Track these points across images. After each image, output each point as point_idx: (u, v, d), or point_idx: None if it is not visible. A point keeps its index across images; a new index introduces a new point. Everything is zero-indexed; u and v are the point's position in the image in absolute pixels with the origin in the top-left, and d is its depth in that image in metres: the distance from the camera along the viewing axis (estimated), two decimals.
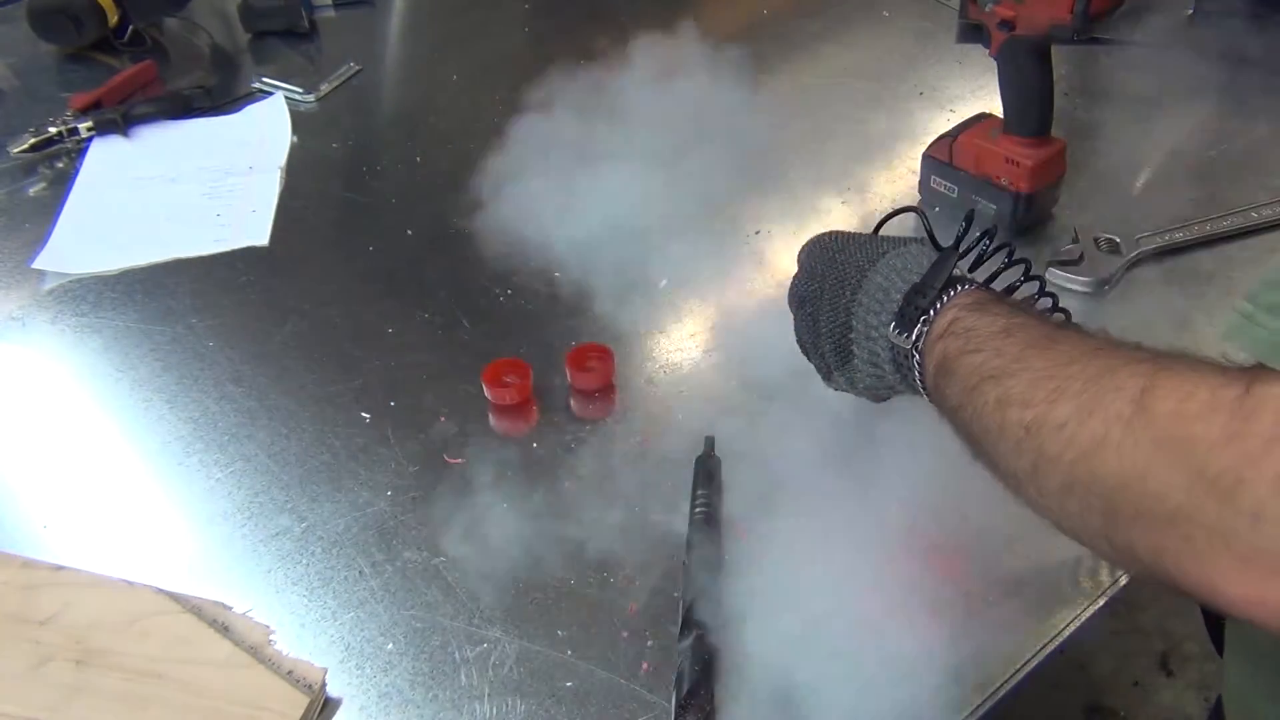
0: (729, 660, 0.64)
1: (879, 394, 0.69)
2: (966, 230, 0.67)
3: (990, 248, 0.71)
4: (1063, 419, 0.50)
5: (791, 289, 0.73)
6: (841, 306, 0.67)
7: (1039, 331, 0.56)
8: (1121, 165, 1.08)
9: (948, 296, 0.61)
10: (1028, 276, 0.71)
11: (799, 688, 0.63)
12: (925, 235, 0.68)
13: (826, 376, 0.71)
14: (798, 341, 0.73)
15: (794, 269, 0.95)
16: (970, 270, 0.68)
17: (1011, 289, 0.70)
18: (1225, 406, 0.43)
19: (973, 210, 0.69)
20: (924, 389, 0.63)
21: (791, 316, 0.74)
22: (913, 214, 0.74)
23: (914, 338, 0.61)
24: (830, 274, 0.68)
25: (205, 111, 1.21)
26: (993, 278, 0.69)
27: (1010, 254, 0.70)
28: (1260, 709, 0.69)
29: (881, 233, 0.73)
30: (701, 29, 1.40)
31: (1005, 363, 0.55)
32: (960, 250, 0.65)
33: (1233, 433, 0.42)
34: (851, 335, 0.66)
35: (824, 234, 0.73)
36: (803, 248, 0.74)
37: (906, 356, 0.63)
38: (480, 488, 0.76)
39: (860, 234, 0.72)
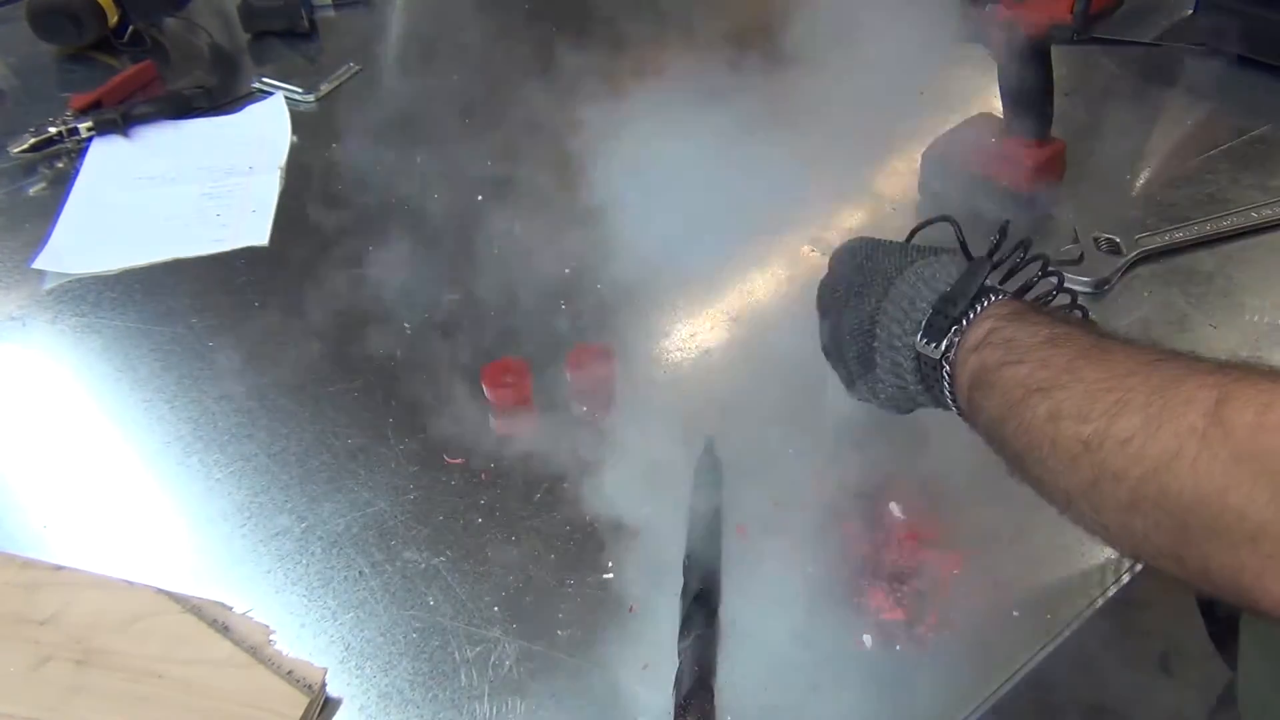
0: (729, 661, 0.64)
1: (901, 406, 0.67)
2: (1001, 241, 0.65)
3: (1024, 259, 0.69)
4: (1128, 433, 0.47)
5: (819, 293, 0.72)
6: (866, 314, 0.65)
7: (1087, 341, 0.53)
8: (1121, 165, 1.08)
9: (981, 306, 0.59)
10: (1045, 271, 0.70)
11: (798, 687, 0.63)
12: (957, 246, 0.67)
13: (849, 385, 0.70)
14: (823, 348, 0.72)
15: (793, 269, 0.96)
16: (1002, 282, 0.66)
17: (1040, 299, 0.68)
18: None
19: (1008, 221, 0.67)
20: (954, 402, 0.60)
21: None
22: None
23: (943, 348, 0.59)
24: (856, 280, 0.67)
25: (205, 111, 1.21)
26: (1023, 289, 0.66)
27: (1044, 266, 0.68)
28: (1278, 704, 0.68)
29: (914, 241, 0.72)
30: (700, 29, 1.40)
31: (1054, 374, 0.52)
32: (994, 262, 0.64)
33: None
34: (875, 344, 0.64)
35: (855, 239, 0.72)
36: (834, 252, 0.73)
37: (935, 368, 0.61)
38: (480, 488, 0.76)
39: (891, 242, 0.69)
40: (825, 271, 0.94)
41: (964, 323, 0.59)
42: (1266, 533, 0.42)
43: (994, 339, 0.57)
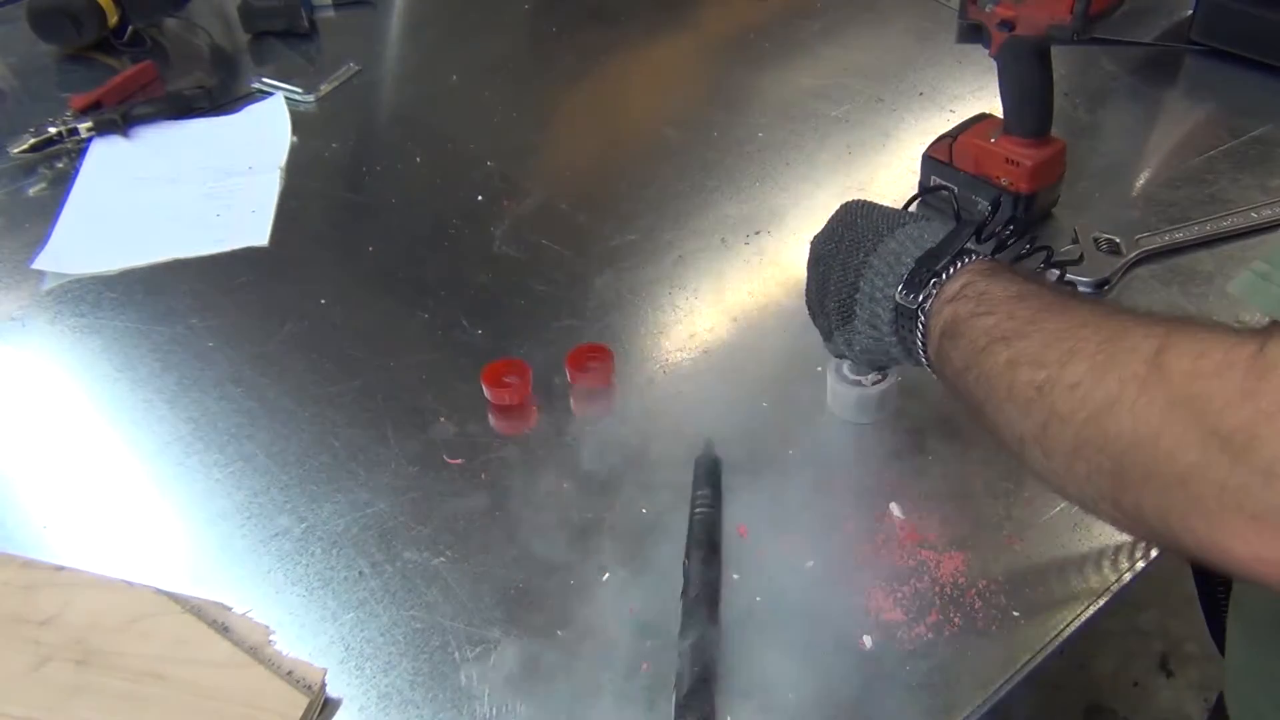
0: (729, 661, 0.64)
1: (875, 359, 0.70)
2: (994, 214, 0.68)
3: (1011, 232, 0.71)
4: (1076, 379, 0.50)
5: (812, 244, 0.74)
6: (852, 267, 0.67)
7: (1052, 297, 0.56)
8: (1121, 165, 1.08)
9: (961, 263, 0.62)
10: (1048, 264, 0.72)
11: (798, 687, 0.63)
12: (952, 214, 0.70)
13: (827, 337, 0.73)
14: (806, 300, 0.75)
15: (793, 269, 0.96)
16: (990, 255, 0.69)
17: None
18: (1240, 364, 0.42)
19: (999, 194, 0.70)
20: (924, 353, 0.63)
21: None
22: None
23: (920, 299, 0.62)
24: (848, 235, 0.69)
25: (205, 112, 1.21)
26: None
27: (1032, 241, 0.71)
28: (1261, 700, 0.69)
29: (911, 209, 0.75)
30: (701, 29, 1.40)
31: (1018, 325, 0.55)
32: (981, 232, 0.66)
33: (1247, 390, 0.42)
34: (857, 296, 0.67)
35: (855, 200, 0.74)
36: (836, 210, 0.75)
37: (910, 318, 0.63)
38: (480, 488, 0.76)
39: (888, 207, 0.72)
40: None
41: (943, 276, 0.62)
42: (1194, 474, 0.44)
43: (968, 292, 0.60)
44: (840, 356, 0.75)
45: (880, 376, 0.77)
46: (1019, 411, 0.53)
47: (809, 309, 0.75)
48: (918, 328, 0.63)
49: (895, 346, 0.66)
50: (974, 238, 0.65)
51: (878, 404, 0.78)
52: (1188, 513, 0.44)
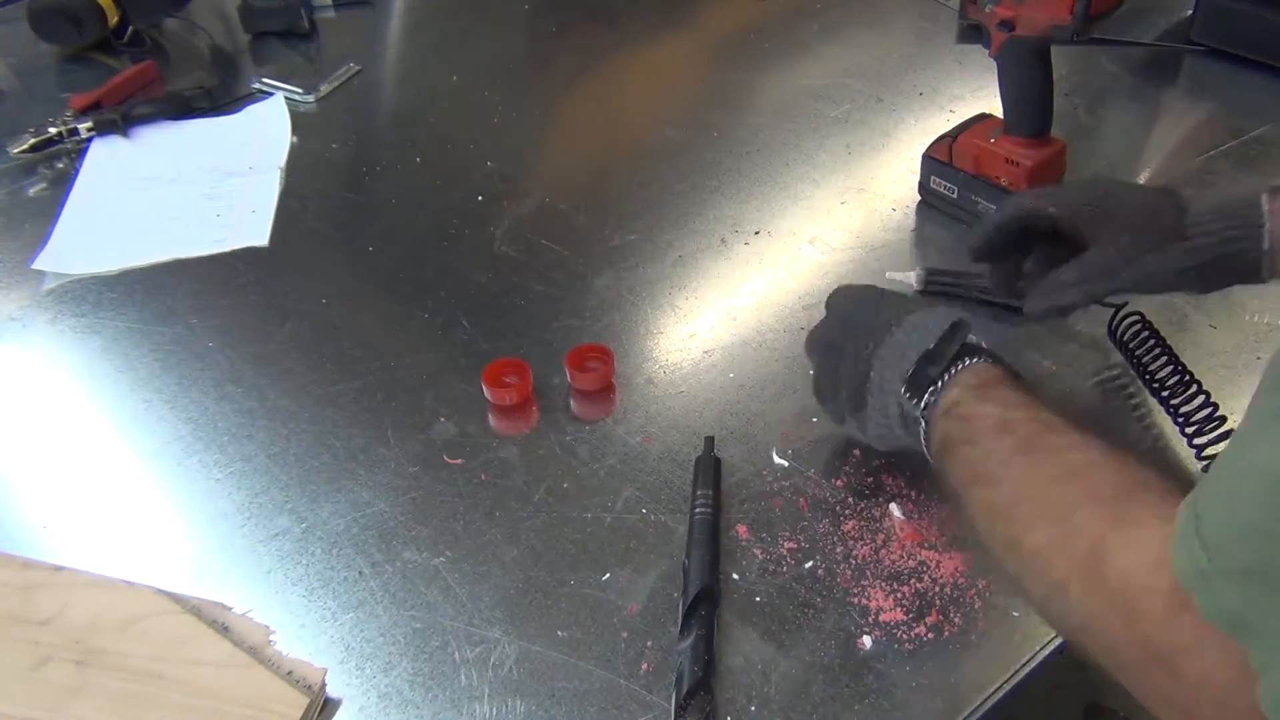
0: (728, 661, 0.64)
1: (888, 442, 0.71)
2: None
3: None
4: (1036, 548, 0.53)
5: (815, 334, 0.75)
6: (863, 358, 0.69)
7: (1031, 430, 0.59)
8: (1121, 165, 1.08)
9: (956, 369, 0.64)
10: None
11: (798, 688, 0.63)
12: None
13: (838, 420, 0.74)
14: (814, 386, 0.75)
15: (793, 269, 0.96)
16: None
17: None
18: (1164, 590, 0.44)
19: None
20: (929, 455, 0.66)
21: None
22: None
23: (922, 405, 0.64)
24: (859, 322, 0.71)
25: (205, 112, 1.21)
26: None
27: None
28: None
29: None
30: (701, 29, 1.40)
31: (994, 467, 0.59)
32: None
33: (1171, 617, 0.44)
34: (868, 385, 0.68)
35: (857, 285, 0.76)
36: (832, 295, 0.76)
37: (914, 421, 0.65)
38: (480, 488, 0.76)
39: (892, 291, 0.74)
40: (825, 269, 0.94)
41: (939, 384, 0.64)
42: (1136, 673, 0.48)
43: (956, 412, 0.62)
44: (855, 440, 0.76)
45: None
46: (1000, 554, 0.57)
47: (817, 394, 0.75)
48: (920, 432, 0.65)
49: (905, 438, 0.68)
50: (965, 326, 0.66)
51: None
52: (1135, 690, 0.48)
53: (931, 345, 0.65)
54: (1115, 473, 0.54)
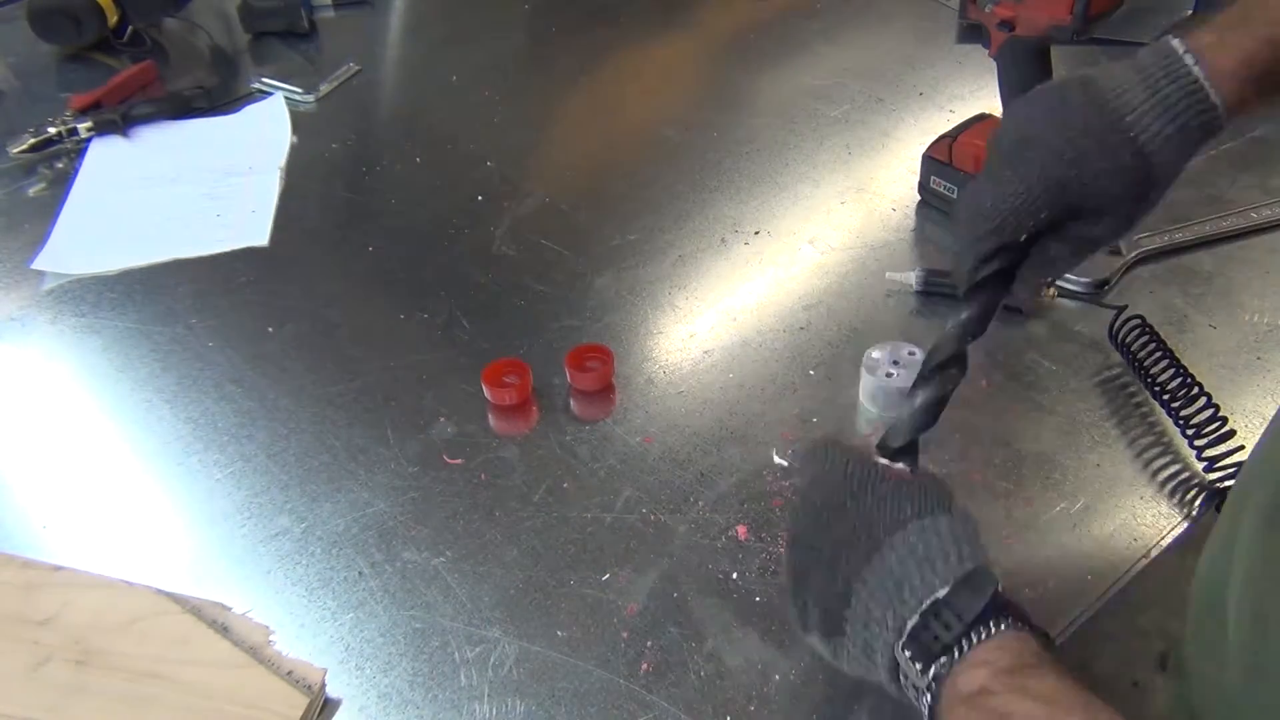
0: (728, 660, 0.64)
1: (866, 676, 0.58)
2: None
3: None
4: None
5: (789, 521, 0.63)
6: (841, 575, 0.55)
7: None
8: None
9: (978, 637, 0.51)
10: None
11: (799, 687, 0.63)
12: (949, 508, 0.56)
13: (804, 633, 0.59)
14: (786, 579, 0.60)
15: (793, 269, 0.96)
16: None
17: None
18: None
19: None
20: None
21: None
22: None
23: (930, 676, 0.51)
24: (837, 525, 0.57)
25: (205, 112, 1.21)
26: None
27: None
28: None
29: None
30: (701, 29, 1.40)
31: None
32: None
33: None
34: (847, 614, 0.55)
35: (835, 454, 0.60)
36: (807, 455, 0.62)
37: (918, 692, 0.52)
38: (480, 488, 0.76)
39: (879, 477, 0.58)
40: (825, 269, 0.94)
41: (954, 655, 0.51)
42: None
43: (986, 704, 0.49)
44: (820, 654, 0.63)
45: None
46: None
47: (788, 589, 0.59)
48: (926, 704, 0.52)
49: (890, 688, 0.55)
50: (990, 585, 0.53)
51: (899, 397, 0.78)
52: None
53: (941, 592, 0.52)
54: None
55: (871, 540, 0.55)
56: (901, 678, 0.53)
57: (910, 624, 0.52)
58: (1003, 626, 0.51)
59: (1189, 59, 0.63)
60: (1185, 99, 0.63)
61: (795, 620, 0.59)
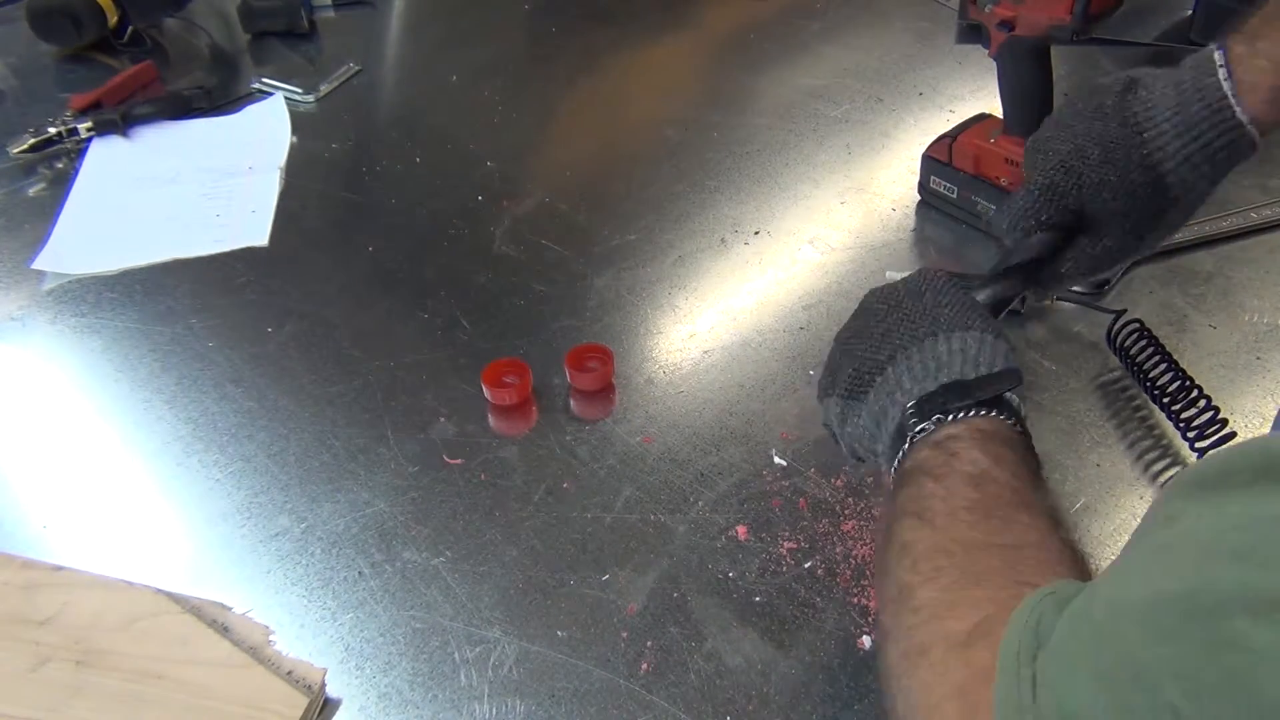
0: (728, 660, 0.64)
1: (859, 444, 0.63)
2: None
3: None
4: (918, 604, 0.47)
5: (869, 295, 0.66)
6: (890, 345, 0.60)
7: (998, 494, 0.51)
8: None
9: (977, 412, 0.55)
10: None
11: (797, 687, 0.63)
12: (1006, 339, 0.60)
13: (823, 393, 0.65)
14: (836, 337, 0.66)
15: (792, 269, 0.96)
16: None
17: None
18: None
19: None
20: (892, 473, 0.58)
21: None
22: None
23: (918, 429, 0.56)
24: (907, 307, 0.61)
25: (205, 112, 1.21)
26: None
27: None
28: None
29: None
30: (701, 29, 1.40)
31: (939, 510, 0.51)
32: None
33: None
34: (879, 379, 0.59)
35: (933, 271, 0.65)
36: (918, 273, 0.66)
37: (901, 437, 0.57)
38: (480, 488, 0.76)
39: (962, 294, 0.63)
40: (825, 269, 0.94)
41: (947, 419, 0.55)
42: None
43: (948, 446, 0.54)
44: (826, 426, 0.66)
45: None
46: (886, 595, 0.51)
47: (830, 354, 0.65)
48: (902, 449, 0.57)
49: (876, 448, 0.60)
50: (1012, 382, 0.57)
51: None
52: None
53: (970, 377, 0.56)
54: (1046, 565, 0.47)
55: (931, 325, 0.59)
56: (895, 437, 0.57)
57: (927, 393, 0.56)
58: (998, 413, 0.55)
59: (1222, 73, 0.62)
60: (1210, 117, 0.62)
61: (821, 383, 0.65)
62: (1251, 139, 0.63)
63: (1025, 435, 0.56)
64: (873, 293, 0.65)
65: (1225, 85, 0.62)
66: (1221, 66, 0.62)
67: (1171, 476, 0.76)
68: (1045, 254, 0.70)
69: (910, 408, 0.57)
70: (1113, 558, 0.70)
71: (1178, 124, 0.64)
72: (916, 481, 0.54)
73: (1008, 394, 0.56)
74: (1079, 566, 0.47)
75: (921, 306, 0.61)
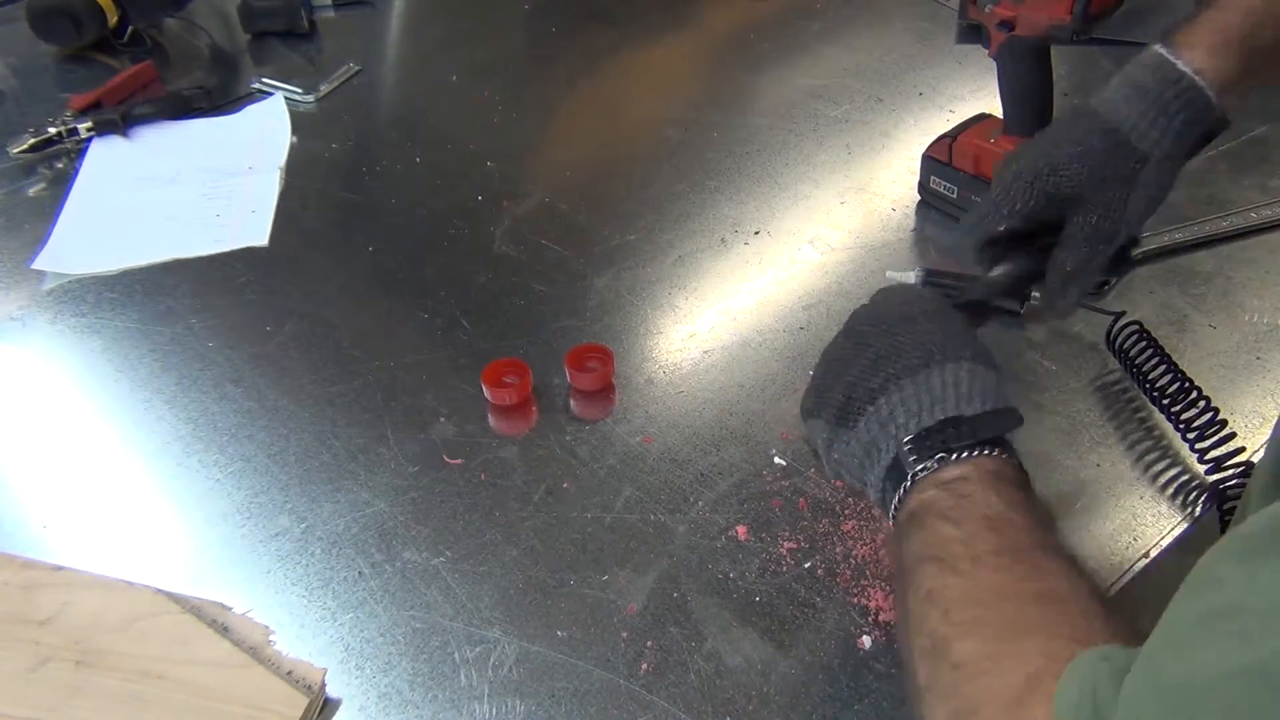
0: (728, 660, 0.64)
1: (847, 473, 0.61)
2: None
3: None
4: (964, 658, 0.46)
5: (853, 316, 0.65)
6: (882, 374, 0.58)
7: (1021, 540, 0.51)
8: None
9: (980, 452, 0.54)
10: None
11: (797, 687, 0.63)
12: (998, 371, 0.59)
13: (808, 414, 0.63)
14: (822, 357, 0.64)
15: (792, 269, 0.96)
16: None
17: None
18: None
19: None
20: (893, 516, 0.57)
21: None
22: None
23: (919, 468, 0.55)
24: (901, 334, 0.60)
25: (205, 112, 1.21)
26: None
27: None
28: None
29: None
30: (701, 29, 1.40)
31: (962, 556, 0.50)
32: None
33: None
34: (869, 409, 0.58)
35: (917, 292, 0.65)
36: (893, 288, 0.66)
37: (899, 477, 0.56)
38: (480, 488, 0.76)
39: (951, 313, 0.63)
40: (825, 269, 0.94)
41: (952, 457, 0.54)
42: None
43: (956, 487, 0.53)
44: (810, 444, 0.66)
45: None
46: (917, 644, 0.50)
47: (816, 373, 0.64)
48: (900, 489, 0.56)
49: (874, 486, 0.58)
50: (1013, 422, 0.57)
51: None
52: None
53: (966, 413, 0.55)
54: (1085, 616, 0.46)
55: (924, 355, 0.58)
56: (891, 473, 0.56)
57: (926, 428, 0.55)
58: (1001, 452, 0.55)
59: (1158, 46, 0.65)
60: (1153, 74, 0.65)
61: (806, 403, 0.63)
62: (1203, 92, 0.65)
63: (1026, 474, 0.56)
64: (861, 314, 0.64)
65: (1161, 50, 0.65)
66: (1159, 45, 0.66)
67: (1174, 478, 0.76)
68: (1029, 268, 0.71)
69: (908, 444, 0.56)
70: (1113, 558, 0.70)
71: (1123, 89, 0.67)
72: (929, 525, 0.53)
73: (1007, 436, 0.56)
74: (1110, 613, 0.46)
75: (914, 334, 0.60)
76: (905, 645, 0.51)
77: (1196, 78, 0.65)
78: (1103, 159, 0.67)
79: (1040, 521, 0.52)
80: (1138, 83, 0.66)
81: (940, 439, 0.55)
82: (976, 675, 0.45)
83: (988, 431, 0.55)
